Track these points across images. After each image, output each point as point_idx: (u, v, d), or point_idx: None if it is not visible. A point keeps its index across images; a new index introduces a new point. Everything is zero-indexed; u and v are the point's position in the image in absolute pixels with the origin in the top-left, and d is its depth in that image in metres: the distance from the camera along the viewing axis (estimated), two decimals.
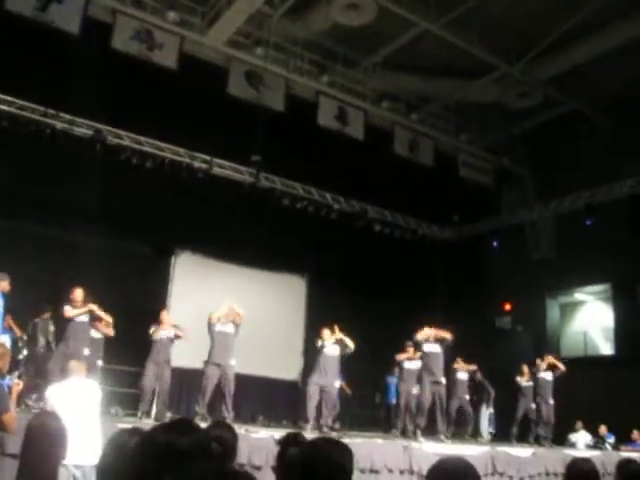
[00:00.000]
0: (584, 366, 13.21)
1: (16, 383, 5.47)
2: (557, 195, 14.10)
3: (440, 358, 9.57)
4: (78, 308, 8.15)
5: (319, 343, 9.23)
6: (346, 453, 2.07)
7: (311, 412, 8.86)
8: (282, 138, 11.17)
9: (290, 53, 12.00)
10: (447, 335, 9.61)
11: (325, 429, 8.68)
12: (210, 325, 8.56)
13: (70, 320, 8.08)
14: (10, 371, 7.77)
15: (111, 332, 9.14)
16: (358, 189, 13.31)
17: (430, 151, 13.64)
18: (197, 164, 12.06)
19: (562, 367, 10.97)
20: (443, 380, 9.62)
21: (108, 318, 8.65)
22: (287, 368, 13.11)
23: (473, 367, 11.52)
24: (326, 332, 9.27)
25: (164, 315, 9.05)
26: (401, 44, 11.76)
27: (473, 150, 14.67)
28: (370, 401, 12.78)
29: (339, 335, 9.24)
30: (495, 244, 14.80)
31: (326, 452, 1.99)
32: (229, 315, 8.69)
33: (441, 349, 9.57)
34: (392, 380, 12.28)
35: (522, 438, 10.87)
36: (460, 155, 14.43)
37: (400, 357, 9.95)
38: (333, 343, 9.22)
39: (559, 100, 13.28)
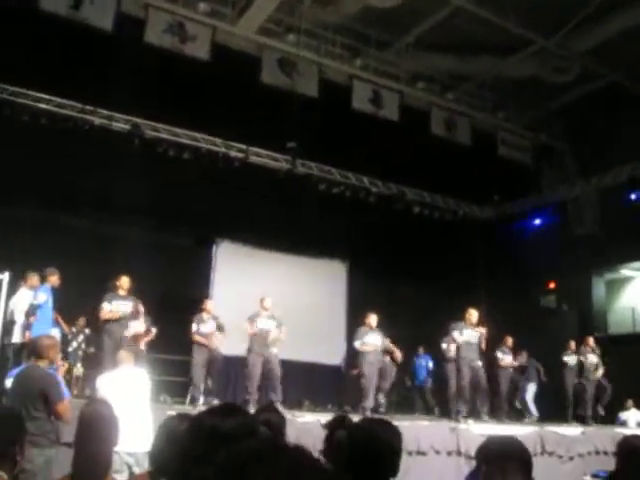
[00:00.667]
0: (632, 342, 12.95)
1: (61, 364, 5.63)
2: (599, 169, 13.78)
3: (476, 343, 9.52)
4: (124, 296, 8.30)
5: (362, 331, 9.33)
6: (394, 433, 2.07)
7: (369, 400, 9.01)
8: (317, 124, 11.13)
9: (322, 38, 11.93)
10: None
11: (368, 412, 8.74)
12: (254, 315, 8.72)
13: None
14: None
15: (152, 334, 9.38)
16: (395, 171, 13.22)
17: (467, 130, 13.46)
18: (233, 153, 12.15)
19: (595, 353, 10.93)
20: (479, 363, 9.57)
21: (142, 310, 8.78)
22: (330, 353, 13.16)
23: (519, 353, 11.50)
24: (373, 317, 9.37)
25: (208, 304, 9.20)
26: (434, 23, 11.57)
27: (511, 127, 14.41)
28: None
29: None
30: (537, 222, 14.56)
31: (374, 432, 2.01)
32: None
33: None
34: (420, 362, 12.30)
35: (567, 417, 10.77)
36: (498, 133, 14.20)
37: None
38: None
39: (597, 73, 12.91)
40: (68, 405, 4.72)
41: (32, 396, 4.45)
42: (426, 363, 12.33)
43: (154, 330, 9.60)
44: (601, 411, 11.15)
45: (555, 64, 12.51)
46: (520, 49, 12.19)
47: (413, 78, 12.92)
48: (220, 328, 8.96)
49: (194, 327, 8.84)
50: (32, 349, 4.91)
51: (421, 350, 12.43)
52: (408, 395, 12.53)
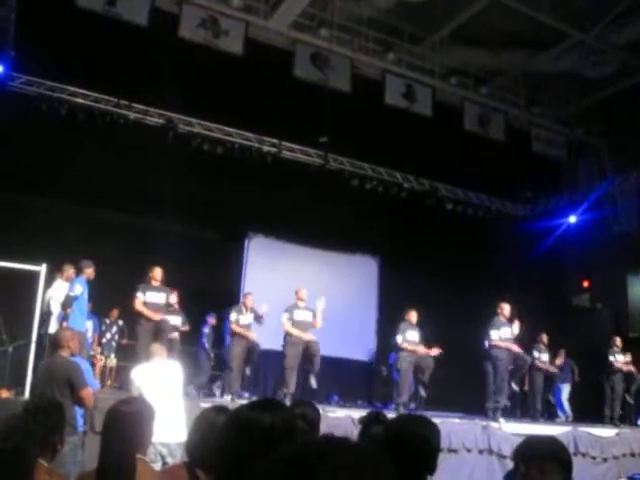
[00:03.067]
0: None
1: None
2: (637, 165, 13.50)
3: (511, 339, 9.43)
4: (157, 287, 8.38)
5: (402, 326, 9.33)
6: (433, 430, 2.05)
7: (405, 395, 9.02)
8: (349, 119, 11.11)
9: (355, 33, 11.89)
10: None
11: (402, 409, 8.73)
12: (291, 306, 8.76)
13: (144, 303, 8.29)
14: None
15: (186, 328, 9.48)
16: (428, 167, 13.12)
17: (501, 125, 13.29)
18: (266, 148, 12.18)
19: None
20: (518, 356, 9.48)
21: (175, 304, 8.85)
22: (361, 349, 13.15)
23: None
24: (413, 314, 9.37)
25: (248, 297, 9.26)
26: (468, 17, 11.43)
27: (545, 123, 14.19)
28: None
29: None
30: (571, 219, 14.34)
31: (413, 428, 1.99)
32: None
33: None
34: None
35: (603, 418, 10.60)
36: (532, 129, 14.00)
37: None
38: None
39: (637, 66, 12.65)
40: (91, 391, 4.86)
41: (58, 383, 4.60)
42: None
43: (187, 327, 9.74)
44: (630, 399, 10.92)
45: (593, 58, 12.29)
46: (556, 43, 11.99)
47: (446, 73, 12.80)
48: (259, 320, 9.04)
49: (233, 317, 8.90)
50: (54, 341, 5.11)
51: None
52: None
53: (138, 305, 8.15)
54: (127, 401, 2.96)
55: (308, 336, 8.65)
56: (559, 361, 11.52)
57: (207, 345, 10.58)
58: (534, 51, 12.37)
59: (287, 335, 8.68)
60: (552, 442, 2.31)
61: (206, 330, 10.63)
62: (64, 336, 4.99)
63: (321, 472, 0.80)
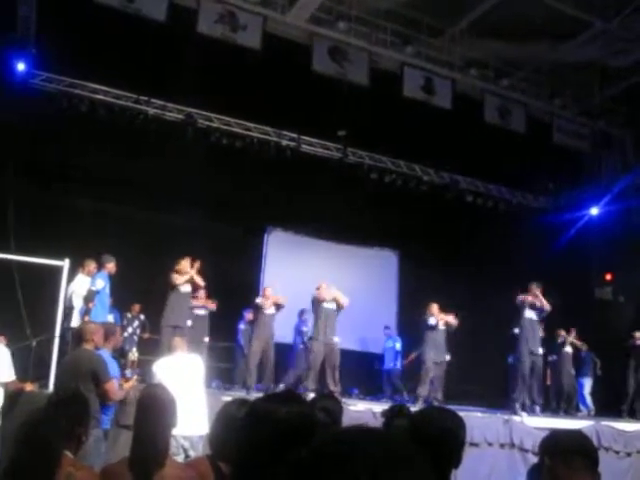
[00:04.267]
0: None
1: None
2: None
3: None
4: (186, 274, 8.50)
5: (432, 320, 9.34)
6: (459, 423, 2.03)
7: (426, 387, 9.06)
8: (368, 112, 11.07)
9: (373, 26, 11.80)
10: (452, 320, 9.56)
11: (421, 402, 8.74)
12: (316, 303, 8.77)
13: (173, 290, 8.39)
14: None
15: (213, 306, 9.54)
16: (448, 160, 13.03)
17: (522, 117, 13.12)
18: (285, 142, 12.17)
19: None
20: (540, 351, 9.40)
21: (201, 282, 8.91)
22: (381, 342, 13.11)
23: (580, 343, 11.24)
24: (435, 307, 9.40)
25: (268, 290, 9.31)
26: (488, 7, 11.29)
27: (567, 114, 14.00)
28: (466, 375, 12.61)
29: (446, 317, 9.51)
30: (594, 211, 14.18)
31: (438, 421, 1.97)
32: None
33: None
34: (388, 344, 12.08)
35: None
36: (554, 120, 13.82)
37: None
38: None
39: None
40: (115, 384, 4.90)
41: (82, 376, 4.63)
42: (393, 345, 12.13)
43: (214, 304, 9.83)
44: None
45: (616, 47, 12.09)
46: (578, 33, 11.80)
47: (466, 65, 12.65)
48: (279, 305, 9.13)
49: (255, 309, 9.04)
50: (78, 335, 5.14)
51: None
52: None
53: (175, 279, 8.34)
54: (155, 387, 3.03)
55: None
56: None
57: (243, 342, 10.58)
58: (556, 41, 12.19)
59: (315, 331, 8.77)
60: (579, 436, 2.28)
61: (242, 326, 10.61)
62: (88, 329, 5.01)
63: (354, 463, 0.79)
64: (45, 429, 2.51)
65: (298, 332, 10.73)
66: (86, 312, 7.54)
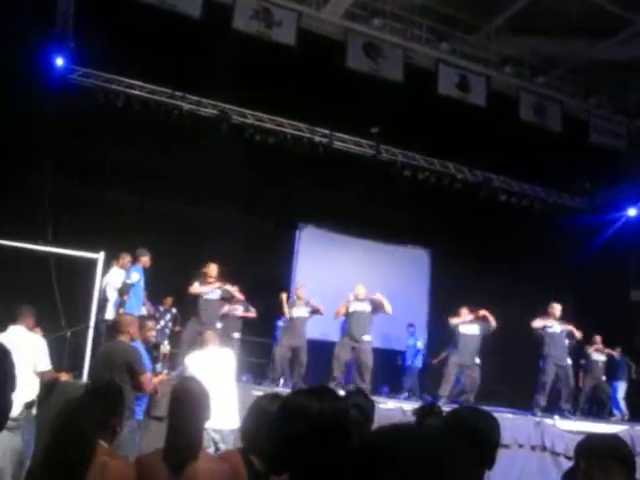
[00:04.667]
0: None
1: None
2: None
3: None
4: (211, 284, 8.52)
5: (454, 321, 9.30)
6: (493, 423, 2.01)
7: (447, 387, 9.02)
8: (402, 109, 11.00)
9: (408, 22, 11.71)
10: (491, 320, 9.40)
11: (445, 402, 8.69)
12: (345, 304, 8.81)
13: (199, 297, 8.47)
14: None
15: (253, 314, 9.56)
16: (482, 158, 12.88)
17: (558, 116, 12.91)
18: (318, 138, 12.16)
19: None
20: (568, 361, 9.33)
21: (239, 295, 8.96)
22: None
23: (610, 350, 11.05)
24: (464, 311, 9.33)
25: (301, 290, 9.32)
26: (525, 4, 11.12)
27: (604, 113, 13.74)
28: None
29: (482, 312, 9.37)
30: (631, 212, 13.91)
31: (472, 421, 1.95)
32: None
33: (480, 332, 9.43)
34: (410, 342, 11.96)
35: None
36: (591, 119, 13.57)
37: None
38: (470, 321, 9.26)
39: None
40: (149, 377, 4.94)
41: (118, 368, 4.67)
42: (414, 342, 12.06)
43: (253, 313, 9.88)
44: None
45: None
46: (618, 31, 11.57)
47: (502, 62, 12.49)
48: (317, 313, 9.14)
49: (285, 309, 9.06)
50: (114, 326, 5.20)
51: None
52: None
53: (192, 289, 8.35)
54: (190, 380, 3.06)
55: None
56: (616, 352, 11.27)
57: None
58: (594, 39, 11.96)
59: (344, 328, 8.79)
60: (615, 440, 2.24)
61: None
62: (124, 321, 5.07)
63: (390, 466, 0.79)
64: (80, 418, 2.54)
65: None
66: (121, 304, 7.65)
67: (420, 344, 11.97)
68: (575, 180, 14.03)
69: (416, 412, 2.97)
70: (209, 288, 8.52)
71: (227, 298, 8.84)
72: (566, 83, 13.27)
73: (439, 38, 11.84)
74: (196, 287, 8.49)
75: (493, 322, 9.33)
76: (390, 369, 12.24)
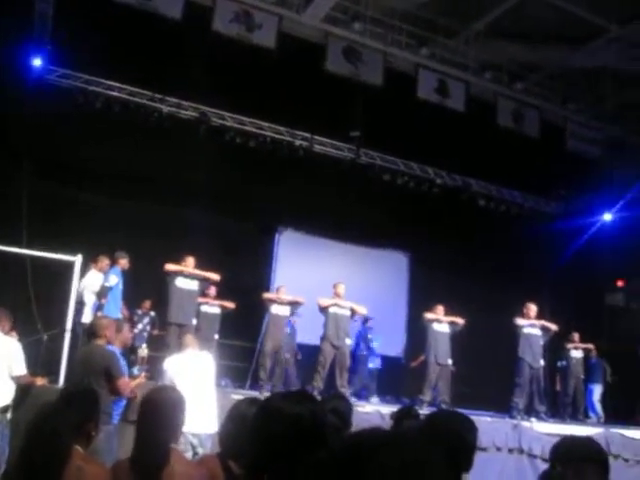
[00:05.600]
0: None
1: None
2: None
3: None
4: (188, 275, 8.48)
5: (428, 316, 9.39)
6: (470, 427, 2.02)
7: (429, 396, 9.10)
8: (381, 113, 11.05)
9: (388, 27, 11.76)
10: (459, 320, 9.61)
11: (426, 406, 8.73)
12: (322, 309, 8.79)
13: (170, 281, 8.37)
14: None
15: (231, 305, 9.51)
16: (460, 163, 12.99)
17: (535, 122, 13.04)
18: (298, 142, 12.18)
19: None
20: (541, 362, 9.44)
21: (214, 276, 8.86)
22: (390, 344, 13.09)
23: (589, 346, 11.14)
24: (439, 308, 9.44)
25: (281, 290, 9.33)
26: (504, 10, 11.21)
27: (581, 120, 13.91)
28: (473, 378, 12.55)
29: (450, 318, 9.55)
30: (607, 217, 14.10)
31: (449, 424, 1.96)
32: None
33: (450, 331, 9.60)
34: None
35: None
36: (568, 125, 13.74)
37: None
38: (444, 320, 9.40)
39: None
40: (127, 381, 4.91)
41: (95, 372, 4.64)
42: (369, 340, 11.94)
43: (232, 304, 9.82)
44: None
45: (632, 53, 12.01)
46: (594, 38, 11.73)
47: (481, 67, 12.59)
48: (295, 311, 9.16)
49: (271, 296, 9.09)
50: (90, 330, 5.15)
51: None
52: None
53: (168, 267, 8.30)
54: (161, 389, 2.99)
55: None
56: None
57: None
58: (572, 46, 12.12)
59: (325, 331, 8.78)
60: (590, 443, 2.27)
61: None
62: (101, 324, 5.02)
63: (376, 465, 0.79)
64: (55, 422, 2.52)
65: (362, 339, 10.98)
66: (99, 308, 7.59)
67: (376, 344, 11.72)
68: (552, 185, 14.21)
69: (394, 415, 2.99)
70: (186, 270, 8.43)
71: (204, 290, 8.84)
72: (544, 89, 13.42)
73: (419, 43, 11.91)
74: (172, 266, 8.42)
75: (460, 321, 9.53)
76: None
